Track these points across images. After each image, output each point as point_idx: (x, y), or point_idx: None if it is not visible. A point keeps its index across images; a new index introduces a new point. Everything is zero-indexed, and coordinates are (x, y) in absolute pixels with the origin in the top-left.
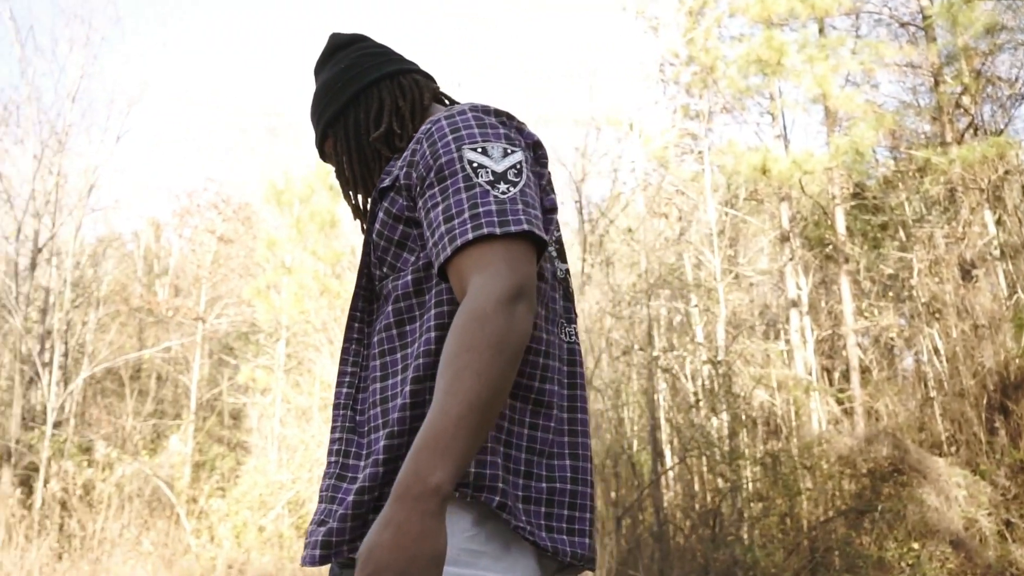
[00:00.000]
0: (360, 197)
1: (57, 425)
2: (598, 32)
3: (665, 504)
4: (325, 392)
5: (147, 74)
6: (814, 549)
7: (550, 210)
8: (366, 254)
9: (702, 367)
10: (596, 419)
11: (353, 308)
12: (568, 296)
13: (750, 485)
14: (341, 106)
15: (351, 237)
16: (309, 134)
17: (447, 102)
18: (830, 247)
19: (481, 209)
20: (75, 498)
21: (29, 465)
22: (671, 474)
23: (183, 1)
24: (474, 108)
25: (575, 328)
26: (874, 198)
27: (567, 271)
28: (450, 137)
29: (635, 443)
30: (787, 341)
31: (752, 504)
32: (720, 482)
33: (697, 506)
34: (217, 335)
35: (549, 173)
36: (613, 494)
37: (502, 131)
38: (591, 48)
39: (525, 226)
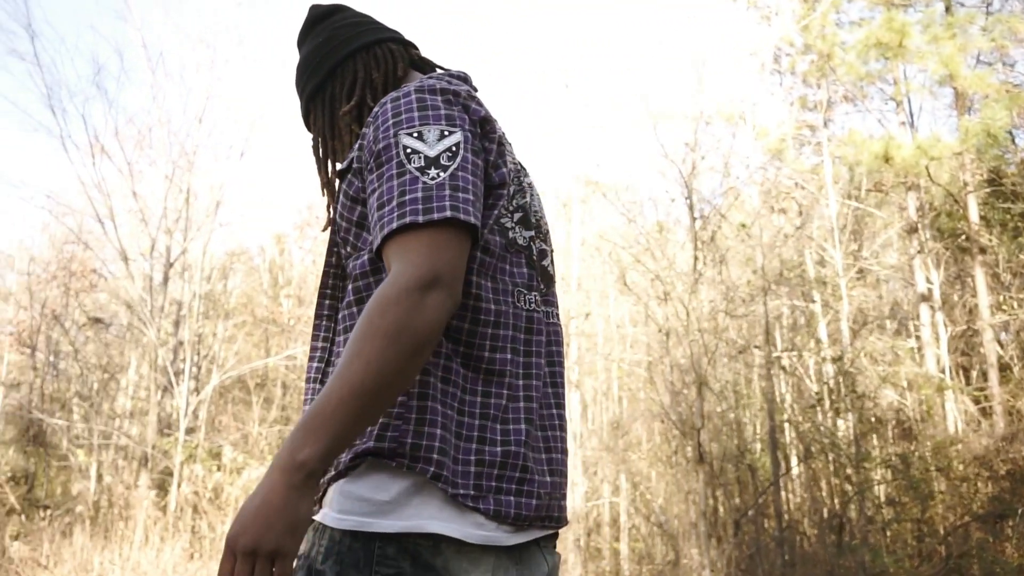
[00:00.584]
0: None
1: (189, 431)
2: (707, 24)
3: (788, 509)
4: None
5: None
6: (948, 555)
7: (499, 185)
8: (334, 232)
9: (825, 366)
10: (714, 421)
11: (323, 286)
12: (531, 264)
13: (879, 489)
14: (320, 80)
15: None
16: None
17: (430, 68)
18: (963, 238)
19: (408, 197)
20: (205, 501)
21: (164, 469)
22: (794, 478)
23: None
24: (420, 89)
25: (537, 296)
26: (1012, 184)
27: (532, 238)
28: (391, 122)
29: (757, 446)
30: (917, 338)
31: (882, 509)
32: (846, 486)
33: (822, 511)
34: None
35: (500, 145)
36: (736, 500)
37: (443, 111)
38: (700, 40)
39: (448, 212)
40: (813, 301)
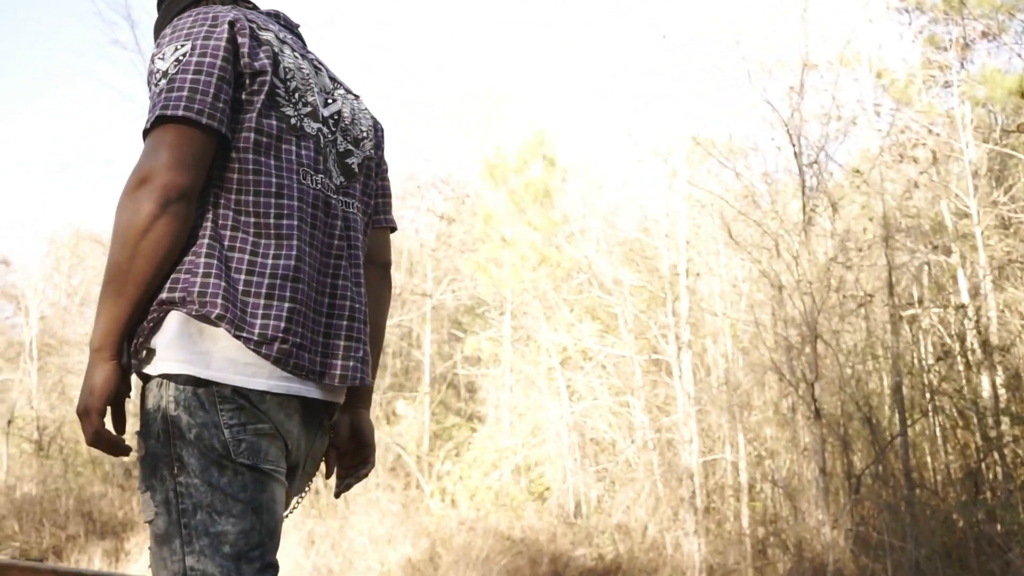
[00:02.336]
0: None
1: None
2: None
3: (914, 466)
4: (549, 359)
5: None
6: None
7: (260, 72)
8: None
9: (957, 318)
10: (831, 377)
11: None
12: (320, 150)
13: (1017, 445)
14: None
15: (565, 206)
16: (521, 107)
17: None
18: None
19: (149, 111)
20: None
21: None
22: (921, 434)
23: None
24: (179, 15)
25: (326, 179)
26: None
27: (322, 131)
28: (153, 50)
29: (879, 402)
30: None
31: (1022, 466)
32: (980, 442)
33: (953, 468)
34: (446, 311)
35: (255, 41)
36: (857, 457)
37: (185, 31)
38: None
39: (165, 111)
40: (944, 252)
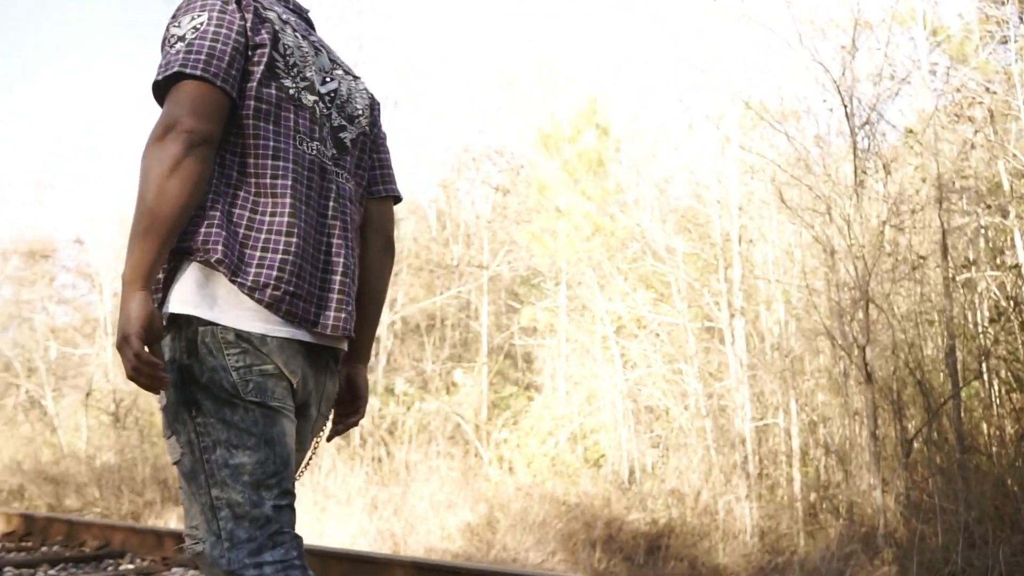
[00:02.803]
0: None
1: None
2: None
3: (966, 429)
4: (603, 328)
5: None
6: None
7: (260, 45)
8: None
9: (1011, 280)
10: (883, 340)
11: None
12: (315, 120)
13: None
14: None
15: (619, 175)
16: (574, 76)
17: None
18: None
19: (160, 67)
20: (382, 431)
21: None
22: (974, 397)
23: None
24: None
25: (321, 147)
26: None
27: (316, 102)
28: (169, 20)
29: (931, 365)
30: None
31: None
32: None
33: (1005, 431)
34: (502, 282)
35: (258, 18)
36: (909, 421)
37: (199, 4)
38: None
39: (184, 68)
40: (1001, 213)
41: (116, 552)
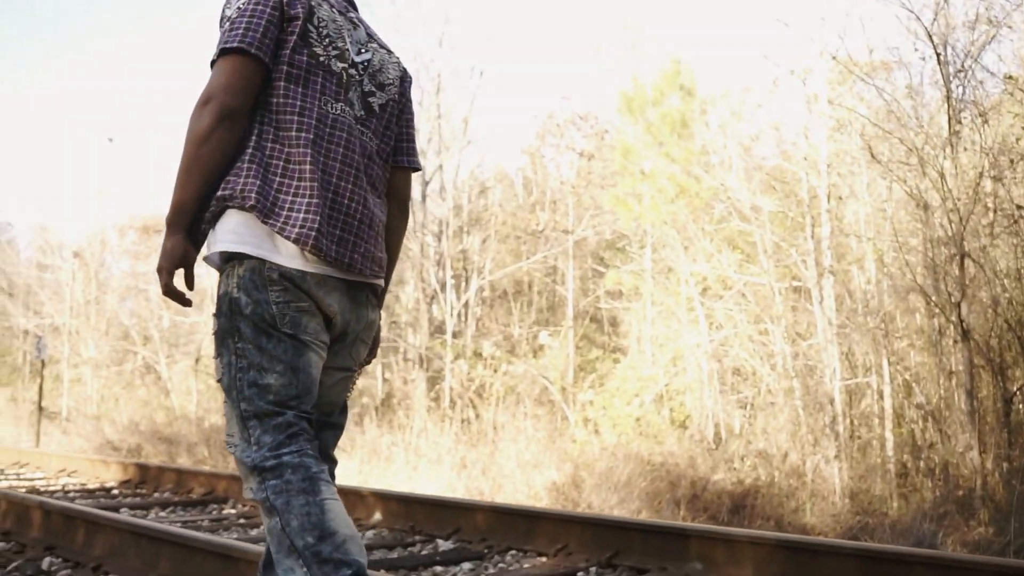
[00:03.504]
0: None
1: (456, 335)
2: None
3: None
4: (688, 290)
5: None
6: None
7: (294, 17)
8: None
9: None
10: (981, 297)
11: None
12: (342, 84)
13: None
14: None
15: (703, 136)
16: (659, 39)
17: None
18: None
19: (216, 47)
20: (471, 392)
21: (437, 368)
22: None
23: None
24: None
25: (346, 107)
26: None
27: (346, 69)
28: (224, 3)
29: None
30: None
31: None
32: None
33: None
34: (588, 247)
35: None
36: (1008, 378)
37: None
38: None
39: (226, 45)
40: None
41: (220, 498)
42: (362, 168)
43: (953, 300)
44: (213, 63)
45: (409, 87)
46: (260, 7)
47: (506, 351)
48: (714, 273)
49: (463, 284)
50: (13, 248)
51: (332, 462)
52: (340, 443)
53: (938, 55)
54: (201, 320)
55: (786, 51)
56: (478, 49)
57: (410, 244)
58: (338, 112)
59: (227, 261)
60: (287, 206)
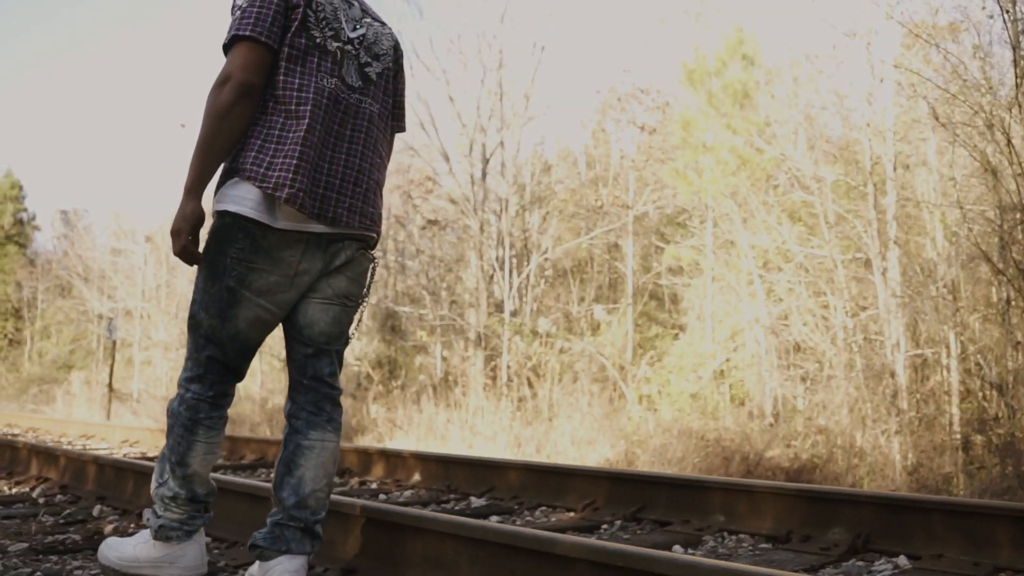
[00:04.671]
0: None
1: (513, 313)
2: None
3: None
4: (748, 264)
5: None
6: None
7: (295, 6)
8: None
9: None
10: None
11: None
12: (336, 61)
13: None
14: None
15: (765, 105)
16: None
17: None
18: None
19: (227, 32)
20: (527, 370)
21: (494, 346)
22: None
23: None
24: None
25: (339, 82)
26: None
27: (341, 47)
28: None
29: None
30: None
31: None
32: None
33: None
34: (649, 222)
35: None
36: None
37: None
38: None
39: (236, 32)
40: None
41: (269, 463)
42: (359, 133)
43: (1020, 267)
44: (226, 47)
45: (401, 56)
46: (262, 1)
47: (564, 328)
48: (774, 246)
49: (525, 263)
50: (89, 234)
51: (331, 389)
52: (396, 420)
53: (1006, 12)
54: None
55: (849, 15)
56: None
57: (469, 222)
58: (332, 87)
59: (217, 217)
60: (277, 168)
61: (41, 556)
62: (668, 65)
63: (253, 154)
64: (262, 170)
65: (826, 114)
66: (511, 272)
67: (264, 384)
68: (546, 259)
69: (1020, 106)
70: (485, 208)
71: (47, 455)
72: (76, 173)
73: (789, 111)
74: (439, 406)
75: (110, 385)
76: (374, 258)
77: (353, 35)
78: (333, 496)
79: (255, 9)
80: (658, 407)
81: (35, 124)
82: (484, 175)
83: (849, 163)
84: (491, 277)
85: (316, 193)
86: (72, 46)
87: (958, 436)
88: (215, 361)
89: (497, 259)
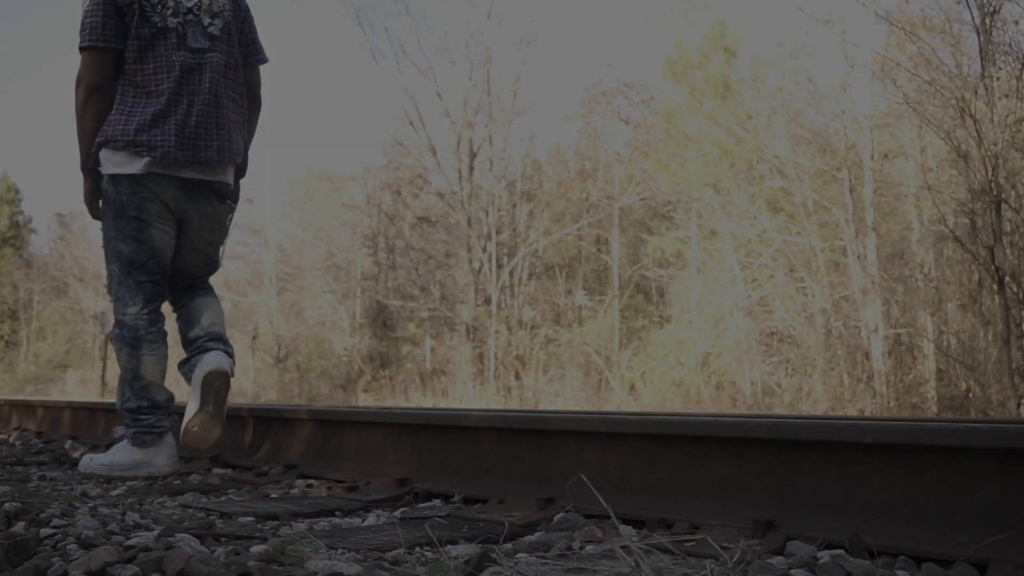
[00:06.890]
0: None
1: (500, 304)
2: None
3: None
4: (730, 252)
5: None
6: None
7: (130, 4)
8: None
9: None
10: (1018, 243)
11: None
12: (180, 35)
13: None
14: None
15: (747, 100)
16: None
17: None
18: None
19: (79, 34)
20: (514, 359)
21: (480, 336)
22: None
23: None
24: None
25: (186, 53)
26: None
27: (182, 20)
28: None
29: None
30: None
31: None
32: None
33: None
34: (635, 215)
35: None
36: None
37: None
38: None
39: (80, 44)
40: None
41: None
42: (214, 88)
43: (985, 244)
44: (81, 50)
45: (245, 7)
46: (95, 6)
47: (551, 319)
48: (756, 234)
49: (514, 257)
50: (85, 236)
51: (206, 293)
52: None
53: None
54: (260, 300)
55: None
56: (526, 21)
57: (457, 216)
58: (181, 59)
59: (107, 179)
60: (146, 133)
61: (8, 467)
62: (652, 60)
63: (121, 127)
64: (130, 137)
65: (802, 102)
66: (498, 266)
67: (256, 379)
68: (534, 252)
69: (987, 88)
70: (472, 203)
71: (26, 407)
72: (72, 177)
73: (767, 98)
74: (427, 396)
75: (103, 379)
76: (227, 201)
77: (189, 4)
78: (281, 405)
79: (89, 20)
80: (639, 392)
81: (32, 128)
82: (472, 170)
83: (825, 149)
84: (479, 270)
85: (185, 144)
86: (69, 49)
87: (931, 412)
88: (142, 283)
89: (484, 253)
